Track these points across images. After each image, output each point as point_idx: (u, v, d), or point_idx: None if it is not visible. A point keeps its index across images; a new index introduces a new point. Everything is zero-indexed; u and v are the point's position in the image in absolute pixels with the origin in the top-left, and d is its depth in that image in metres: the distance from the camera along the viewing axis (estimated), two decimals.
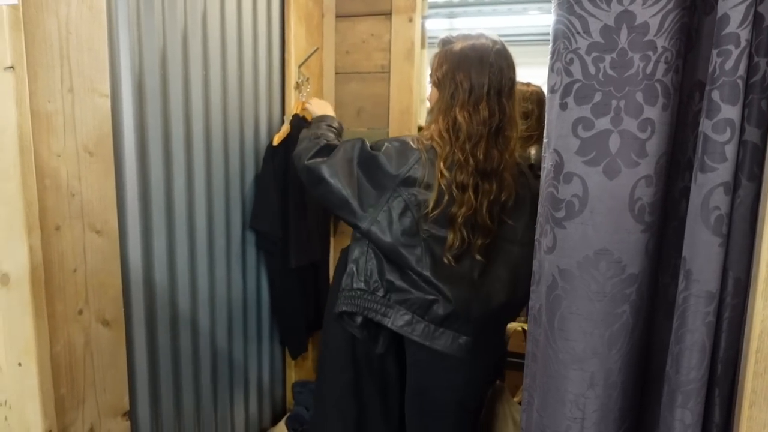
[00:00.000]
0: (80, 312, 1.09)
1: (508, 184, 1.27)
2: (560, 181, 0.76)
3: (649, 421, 0.85)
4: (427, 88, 1.36)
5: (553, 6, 0.76)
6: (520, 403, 1.47)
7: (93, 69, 1.07)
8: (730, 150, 0.66)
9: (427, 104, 1.38)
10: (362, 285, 1.31)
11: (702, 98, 0.70)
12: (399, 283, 1.28)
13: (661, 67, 0.70)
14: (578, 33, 0.72)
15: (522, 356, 0.95)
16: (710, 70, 0.66)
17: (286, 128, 1.72)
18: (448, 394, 1.36)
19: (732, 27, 0.64)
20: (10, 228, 0.93)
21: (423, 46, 2.00)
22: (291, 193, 1.73)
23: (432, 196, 1.22)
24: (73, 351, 1.08)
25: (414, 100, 1.98)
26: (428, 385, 1.37)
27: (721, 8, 0.64)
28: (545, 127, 0.81)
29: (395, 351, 1.47)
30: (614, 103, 0.71)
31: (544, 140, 0.81)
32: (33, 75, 0.95)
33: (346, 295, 1.33)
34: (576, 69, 0.73)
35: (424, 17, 2.00)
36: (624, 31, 0.70)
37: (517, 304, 1.38)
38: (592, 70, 0.72)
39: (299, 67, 1.82)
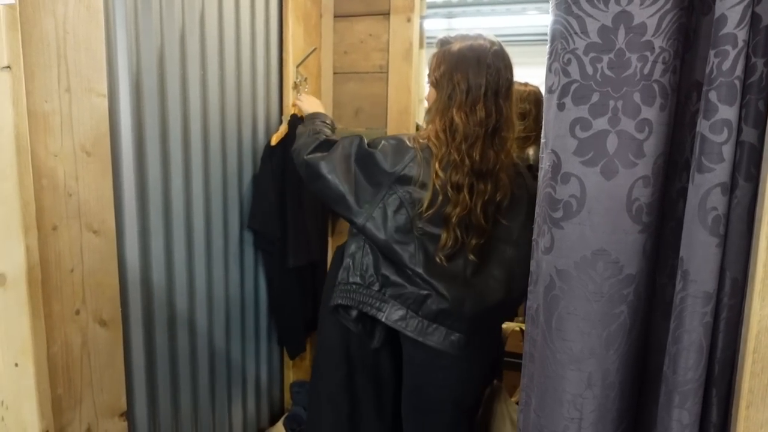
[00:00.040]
0: (77, 312, 1.08)
1: (504, 185, 1.27)
2: (558, 182, 0.76)
3: (646, 421, 0.85)
4: (425, 88, 1.36)
5: (550, 6, 0.76)
6: (517, 403, 1.47)
7: (90, 68, 1.07)
8: (727, 150, 0.66)
9: (425, 104, 1.38)
10: (358, 279, 1.33)
11: (699, 99, 0.70)
12: (394, 278, 1.29)
13: (659, 67, 0.70)
14: (576, 33, 0.72)
15: (520, 356, 0.95)
16: (708, 70, 0.66)
17: (284, 128, 1.72)
18: (443, 392, 1.37)
19: (729, 27, 0.64)
20: (7, 228, 0.92)
21: (421, 46, 2.00)
22: (289, 192, 1.73)
23: (426, 196, 1.23)
24: (70, 351, 1.07)
25: (412, 100, 1.97)
26: (423, 383, 1.38)
27: (719, 9, 0.65)
28: (543, 127, 0.81)
29: (390, 347, 1.47)
30: (612, 103, 0.71)
31: (542, 140, 0.81)
32: (30, 74, 0.95)
33: (342, 289, 1.35)
34: (574, 69, 0.73)
35: (422, 17, 1.99)
36: (622, 32, 0.70)
37: (512, 303, 1.38)
38: (589, 70, 0.72)
39: (297, 67, 1.82)
